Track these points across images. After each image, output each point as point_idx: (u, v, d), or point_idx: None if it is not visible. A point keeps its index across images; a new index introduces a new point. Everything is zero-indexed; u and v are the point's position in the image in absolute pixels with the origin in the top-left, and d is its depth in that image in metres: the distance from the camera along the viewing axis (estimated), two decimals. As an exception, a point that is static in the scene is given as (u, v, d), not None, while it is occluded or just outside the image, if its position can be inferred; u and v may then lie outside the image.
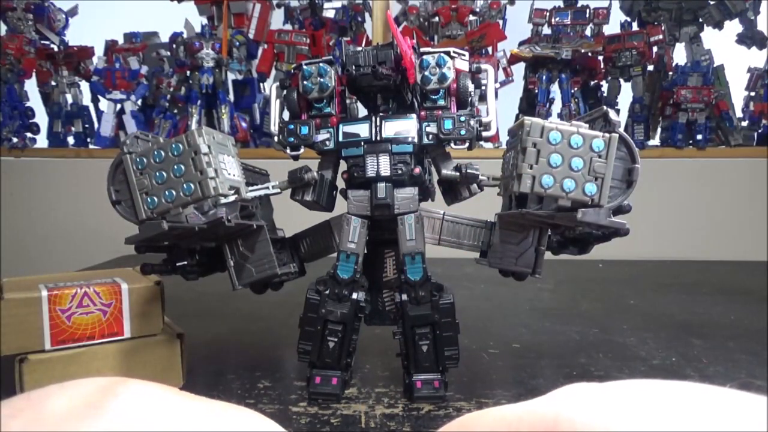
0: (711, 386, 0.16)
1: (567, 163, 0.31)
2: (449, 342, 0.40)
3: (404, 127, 0.39)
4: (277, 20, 1.31)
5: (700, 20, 1.19)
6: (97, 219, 1.16)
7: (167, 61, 1.28)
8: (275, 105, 0.42)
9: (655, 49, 1.19)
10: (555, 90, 1.21)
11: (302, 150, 0.41)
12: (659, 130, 1.23)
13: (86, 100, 1.34)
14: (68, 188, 1.28)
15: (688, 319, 0.65)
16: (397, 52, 0.38)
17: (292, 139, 0.40)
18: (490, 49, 1.20)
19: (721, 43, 1.21)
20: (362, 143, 0.39)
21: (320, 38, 1.25)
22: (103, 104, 1.30)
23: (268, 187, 0.41)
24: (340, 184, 0.42)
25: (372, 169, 0.39)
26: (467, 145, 0.40)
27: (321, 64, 0.40)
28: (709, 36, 1.21)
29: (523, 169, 0.31)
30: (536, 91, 1.20)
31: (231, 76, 1.27)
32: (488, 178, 0.40)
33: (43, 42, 1.32)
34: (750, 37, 1.20)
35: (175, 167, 0.34)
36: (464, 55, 0.40)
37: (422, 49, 0.40)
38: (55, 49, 1.32)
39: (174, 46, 1.25)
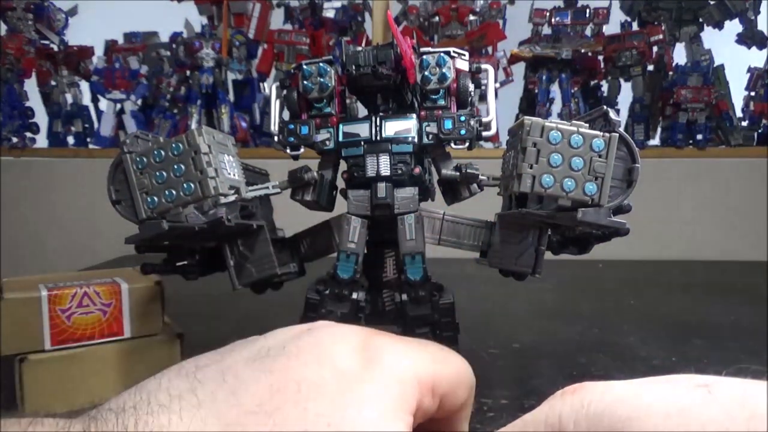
0: (714, 377, 0.16)
1: (567, 162, 0.31)
2: (449, 342, 0.40)
3: (404, 127, 0.39)
4: (277, 20, 1.31)
5: (700, 20, 1.19)
6: (97, 219, 1.16)
7: (167, 61, 1.28)
8: (275, 105, 0.42)
9: (655, 49, 1.19)
10: (555, 90, 1.21)
11: (302, 150, 0.41)
12: (659, 130, 1.23)
13: (86, 100, 1.34)
14: (68, 188, 1.28)
15: (688, 319, 0.65)
16: (397, 52, 0.38)
17: (292, 138, 0.40)
18: (490, 49, 1.20)
19: (721, 43, 1.21)
20: (362, 143, 0.39)
21: (320, 38, 1.25)
22: (103, 104, 1.30)
23: (268, 187, 0.41)
24: (340, 183, 0.42)
25: (372, 169, 0.39)
26: (467, 144, 0.40)
27: (321, 64, 0.40)
28: (709, 36, 1.21)
29: (523, 169, 0.31)
30: (536, 91, 1.20)
31: (231, 76, 1.27)
32: (488, 177, 0.40)
33: (43, 42, 1.32)
34: (750, 37, 1.20)
35: (176, 167, 0.34)
36: (464, 55, 0.40)
37: (422, 49, 0.39)
38: (55, 49, 1.32)
39: (174, 46, 1.25)
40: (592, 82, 1.24)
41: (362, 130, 0.40)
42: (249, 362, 0.23)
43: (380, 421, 0.20)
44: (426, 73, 0.39)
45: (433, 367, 0.24)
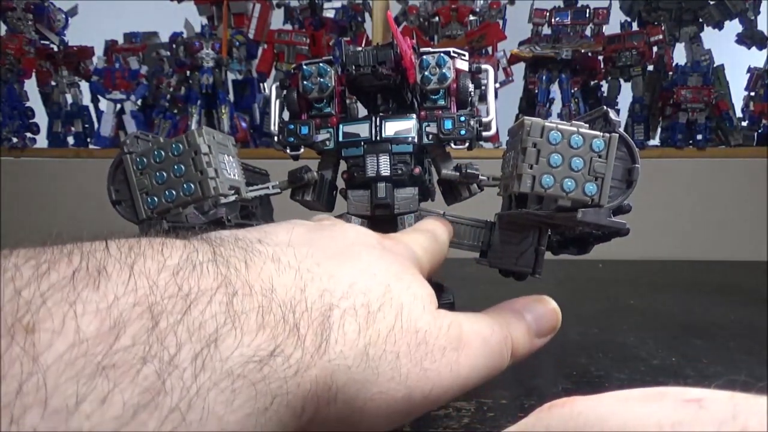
0: (700, 389, 0.16)
1: (567, 163, 0.31)
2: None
3: (404, 127, 0.39)
4: (277, 20, 1.31)
5: (700, 20, 1.19)
6: (97, 219, 1.16)
7: (167, 61, 1.28)
8: (275, 105, 0.42)
9: (655, 49, 1.19)
10: (555, 90, 1.21)
11: (302, 150, 0.41)
12: (659, 130, 1.23)
13: (86, 100, 1.34)
14: (68, 188, 1.28)
15: (688, 319, 0.65)
16: (397, 52, 0.38)
17: (292, 139, 0.40)
18: (490, 49, 1.20)
19: (721, 43, 1.21)
20: (362, 143, 0.39)
21: (320, 38, 1.25)
22: (103, 104, 1.30)
23: (268, 187, 0.41)
24: (340, 184, 0.42)
25: (372, 169, 0.39)
26: (467, 145, 0.40)
27: (321, 64, 0.40)
28: (709, 36, 1.21)
29: (523, 169, 0.31)
30: (536, 91, 1.20)
31: (231, 76, 1.27)
32: (488, 178, 0.40)
33: (43, 42, 1.32)
34: (750, 37, 1.20)
35: (176, 167, 0.34)
36: (464, 55, 0.40)
37: (422, 49, 0.40)
38: (55, 49, 1.32)
39: (174, 46, 1.25)
40: (592, 82, 1.24)
41: (362, 130, 0.40)
42: (307, 232, 0.26)
43: (420, 281, 0.27)
44: (426, 73, 0.39)
45: (431, 258, 0.32)
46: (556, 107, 1.21)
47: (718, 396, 0.15)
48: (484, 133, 0.39)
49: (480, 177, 0.40)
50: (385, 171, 0.39)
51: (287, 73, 1.21)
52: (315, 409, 0.20)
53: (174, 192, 0.34)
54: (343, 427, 0.21)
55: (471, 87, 0.40)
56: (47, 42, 1.32)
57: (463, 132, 0.39)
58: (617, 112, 0.36)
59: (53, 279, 0.16)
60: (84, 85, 1.33)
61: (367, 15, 1.30)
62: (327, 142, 0.40)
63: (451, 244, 0.43)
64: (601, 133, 0.32)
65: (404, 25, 1.25)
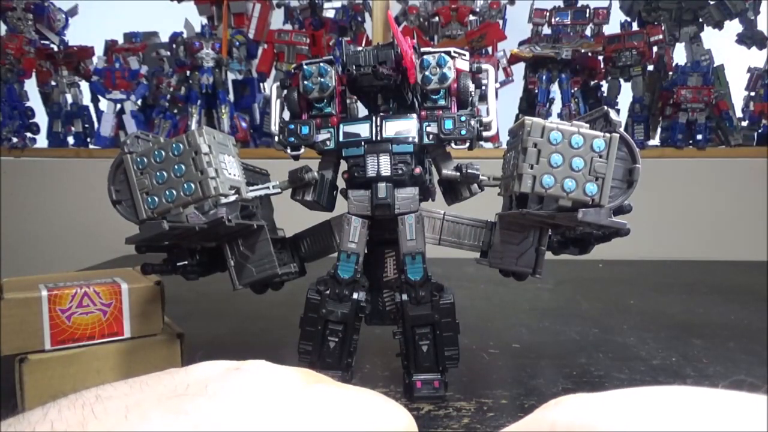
0: (704, 388, 0.16)
1: (568, 163, 0.31)
2: (449, 342, 0.40)
3: (405, 127, 0.39)
4: (277, 20, 1.31)
5: (700, 20, 1.20)
6: (97, 219, 1.16)
7: (167, 61, 1.28)
8: (276, 105, 0.42)
9: (655, 49, 1.19)
10: (555, 90, 1.21)
11: (302, 150, 0.41)
12: (659, 130, 1.23)
13: (86, 100, 1.34)
14: (68, 188, 1.28)
15: (688, 319, 0.65)
16: (398, 51, 0.38)
17: (293, 139, 0.40)
18: (490, 49, 1.20)
19: (721, 43, 1.21)
20: (363, 143, 0.39)
21: (320, 38, 1.25)
22: (103, 104, 1.30)
23: (268, 187, 0.41)
24: (341, 183, 0.42)
25: (372, 169, 0.39)
26: (468, 145, 0.40)
27: (321, 64, 0.40)
28: (709, 36, 1.21)
29: (523, 169, 0.31)
30: (536, 91, 1.20)
31: (231, 76, 1.27)
32: (489, 178, 0.40)
33: (43, 42, 1.32)
34: (750, 37, 1.20)
35: (176, 167, 0.34)
36: (465, 55, 0.40)
37: (423, 49, 0.40)
38: (55, 49, 1.33)
39: (174, 46, 1.25)
40: (592, 82, 1.24)
41: (363, 130, 0.40)
42: (161, 400, 0.19)
43: None
44: (426, 73, 0.39)
45: None
46: (556, 107, 1.21)
47: (725, 395, 0.15)
48: (485, 133, 0.39)
49: (480, 177, 0.40)
50: (386, 171, 0.39)
51: (287, 73, 1.21)
52: None
53: (174, 192, 0.34)
54: None
55: (471, 87, 0.40)
56: (47, 42, 1.33)
57: (463, 132, 0.39)
58: (617, 112, 0.36)
59: None
60: (84, 85, 1.33)
61: (367, 15, 1.30)
62: (327, 142, 0.40)
63: (452, 244, 0.43)
64: (602, 134, 0.32)
65: (404, 25, 1.25)
